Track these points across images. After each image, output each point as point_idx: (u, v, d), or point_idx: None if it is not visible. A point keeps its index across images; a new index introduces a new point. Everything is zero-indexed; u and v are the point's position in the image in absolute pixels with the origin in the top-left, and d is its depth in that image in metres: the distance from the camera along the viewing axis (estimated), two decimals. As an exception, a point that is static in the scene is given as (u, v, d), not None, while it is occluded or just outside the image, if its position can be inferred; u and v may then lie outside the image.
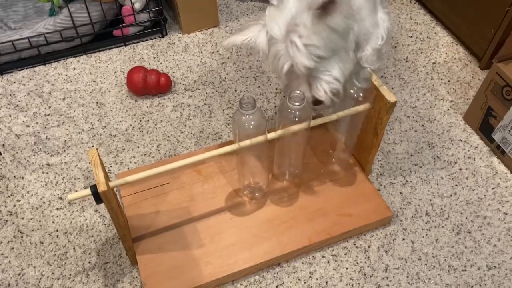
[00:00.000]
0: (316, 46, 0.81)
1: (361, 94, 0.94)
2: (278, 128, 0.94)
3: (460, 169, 1.16)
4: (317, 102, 0.88)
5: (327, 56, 0.84)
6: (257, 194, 1.07)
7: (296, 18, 0.81)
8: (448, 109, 1.30)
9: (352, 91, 0.94)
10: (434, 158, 1.19)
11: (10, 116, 1.29)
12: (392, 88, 1.35)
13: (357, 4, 0.88)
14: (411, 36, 1.51)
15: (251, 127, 0.87)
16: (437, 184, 1.14)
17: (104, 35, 1.48)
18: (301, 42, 0.81)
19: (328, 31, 0.81)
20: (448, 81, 1.38)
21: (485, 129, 1.20)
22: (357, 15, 0.88)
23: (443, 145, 1.22)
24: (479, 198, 1.11)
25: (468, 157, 1.19)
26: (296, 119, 0.90)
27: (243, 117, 0.86)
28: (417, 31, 1.53)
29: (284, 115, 0.91)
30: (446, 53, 1.46)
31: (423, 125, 1.26)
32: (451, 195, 1.12)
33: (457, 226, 1.06)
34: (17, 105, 1.31)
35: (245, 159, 0.97)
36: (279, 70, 0.86)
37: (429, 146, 1.21)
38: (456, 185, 1.13)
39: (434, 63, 1.43)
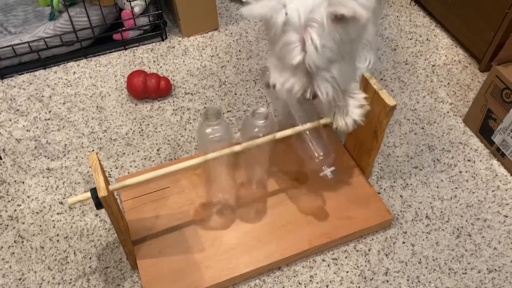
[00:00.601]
0: (329, 48, 0.81)
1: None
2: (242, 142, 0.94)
3: (460, 172, 1.17)
4: (314, 97, 0.88)
5: (335, 59, 0.84)
6: (225, 211, 1.05)
7: (316, 11, 0.79)
8: (448, 112, 1.30)
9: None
10: (434, 161, 1.19)
11: (10, 120, 1.29)
12: (391, 90, 1.35)
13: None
14: (410, 39, 1.51)
15: (216, 139, 0.87)
16: (437, 187, 1.14)
17: (104, 39, 1.48)
18: (319, 41, 0.79)
19: (342, 37, 0.81)
20: (448, 83, 1.38)
21: (485, 132, 1.21)
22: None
23: (443, 148, 1.22)
24: (479, 200, 1.11)
25: (468, 160, 1.19)
26: (260, 135, 0.91)
27: (208, 129, 0.86)
28: (417, 33, 1.53)
29: (247, 131, 0.91)
30: (445, 56, 1.46)
31: (423, 128, 1.26)
32: (451, 198, 1.12)
33: (457, 229, 1.06)
34: (18, 110, 1.32)
35: (212, 172, 0.96)
36: (287, 59, 0.84)
37: (429, 149, 1.21)
38: (456, 188, 1.13)
39: (433, 65, 1.43)
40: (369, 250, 1.03)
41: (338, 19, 0.78)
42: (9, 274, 1.00)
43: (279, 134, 0.94)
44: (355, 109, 0.96)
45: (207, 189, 1.05)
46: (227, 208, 1.05)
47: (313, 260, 1.02)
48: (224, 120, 0.87)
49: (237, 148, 0.93)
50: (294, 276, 0.99)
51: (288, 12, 0.81)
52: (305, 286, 0.98)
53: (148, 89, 1.30)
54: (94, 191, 0.81)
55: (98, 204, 0.81)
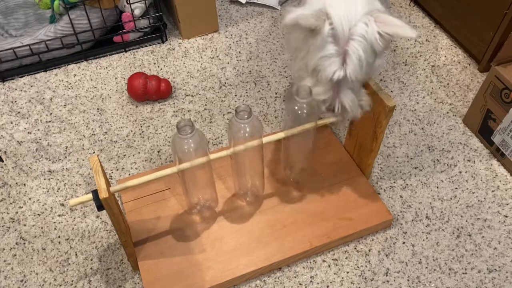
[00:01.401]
0: (370, 63, 0.82)
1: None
2: (230, 146, 0.93)
3: (460, 172, 1.17)
4: (340, 110, 0.89)
5: (368, 73, 0.86)
6: (205, 213, 1.05)
7: (360, 26, 0.80)
8: (448, 112, 1.30)
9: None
10: (434, 161, 1.19)
11: (11, 123, 1.30)
12: (391, 91, 1.36)
13: None
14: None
15: (191, 149, 0.87)
16: (437, 187, 1.14)
17: (104, 42, 1.49)
18: (365, 57, 0.80)
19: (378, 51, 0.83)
20: (448, 84, 1.38)
21: (485, 132, 1.21)
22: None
23: (443, 148, 1.22)
24: (479, 201, 1.11)
25: (468, 160, 1.19)
26: (247, 135, 0.90)
27: (184, 141, 0.86)
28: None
29: (234, 131, 0.90)
30: (445, 56, 1.46)
31: (422, 128, 1.26)
32: (451, 198, 1.12)
33: (457, 229, 1.07)
34: (19, 112, 1.32)
35: (190, 177, 0.96)
36: (325, 73, 0.83)
37: (429, 149, 1.22)
38: (456, 188, 1.14)
39: (433, 66, 1.43)
40: (369, 250, 1.03)
41: (387, 36, 0.80)
42: (11, 276, 1.01)
43: (266, 139, 0.95)
44: (363, 97, 0.95)
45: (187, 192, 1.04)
46: (208, 209, 1.06)
47: (314, 260, 1.02)
48: (198, 130, 0.87)
49: (228, 152, 0.94)
50: (295, 277, 1.00)
51: (335, 25, 0.80)
52: (305, 287, 0.98)
53: (148, 91, 1.30)
54: (95, 193, 0.81)
55: (99, 205, 0.82)
